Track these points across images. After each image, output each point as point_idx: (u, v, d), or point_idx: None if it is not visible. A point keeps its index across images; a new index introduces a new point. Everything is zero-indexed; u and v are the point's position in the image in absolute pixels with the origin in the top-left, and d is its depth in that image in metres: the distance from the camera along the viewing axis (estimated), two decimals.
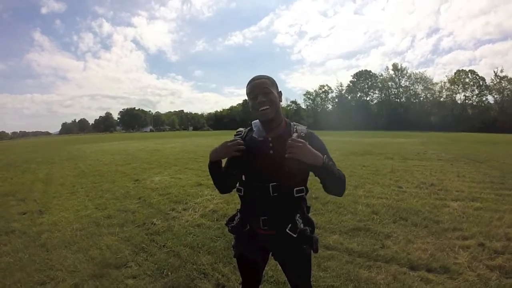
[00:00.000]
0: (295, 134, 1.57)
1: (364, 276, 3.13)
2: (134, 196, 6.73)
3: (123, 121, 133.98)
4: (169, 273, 3.24)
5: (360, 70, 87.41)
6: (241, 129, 1.86)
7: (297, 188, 1.67)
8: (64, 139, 59.18)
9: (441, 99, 72.93)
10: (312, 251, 1.77)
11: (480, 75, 70.64)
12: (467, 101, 70.77)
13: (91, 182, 8.71)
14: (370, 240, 3.97)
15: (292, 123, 1.77)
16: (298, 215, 1.70)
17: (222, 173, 1.78)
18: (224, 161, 1.78)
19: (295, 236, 1.65)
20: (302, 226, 1.68)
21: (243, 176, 1.77)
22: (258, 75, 1.73)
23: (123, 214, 5.36)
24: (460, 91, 71.79)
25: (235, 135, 1.82)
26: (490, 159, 11.65)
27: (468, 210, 5.12)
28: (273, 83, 1.73)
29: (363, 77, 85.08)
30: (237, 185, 1.79)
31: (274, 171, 1.64)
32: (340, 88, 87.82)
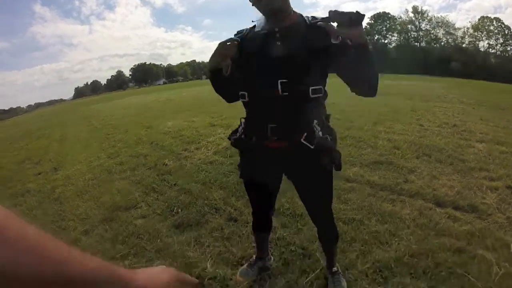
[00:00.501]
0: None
1: (388, 209, 2.87)
2: (146, 141, 6.51)
3: (135, 77, 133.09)
4: (179, 210, 3.05)
5: (378, 12, 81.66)
6: (242, 29, 1.51)
7: (314, 87, 1.33)
8: (78, 102, 59.78)
9: (463, 45, 67.74)
10: (334, 168, 1.48)
11: (505, 23, 64.85)
12: (490, 49, 65.50)
13: (104, 134, 8.54)
14: (392, 174, 3.72)
15: (304, 15, 1.40)
16: (315, 121, 1.36)
17: (225, 79, 1.44)
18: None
19: (312, 147, 1.34)
20: (321, 134, 1.34)
21: (247, 78, 1.43)
22: None
23: (135, 159, 5.17)
24: (483, 38, 66.27)
25: (235, 34, 1.46)
26: None
27: (493, 152, 4.69)
28: None
29: (380, 19, 79.54)
30: (240, 90, 1.46)
31: (283, 65, 1.31)
32: None
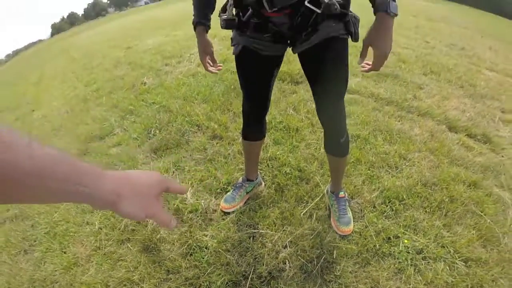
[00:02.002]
0: None
1: (396, 128, 2.48)
2: (124, 62, 5.85)
3: (113, 1, 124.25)
4: (158, 131, 2.63)
5: None
6: None
7: None
8: (56, 39, 56.91)
9: None
10: (350, 38, 1.18)
11: None
12: None
13: (81, 64, 7.84)
14: (399, 88, 3.33)
15: None
16: None
17: None
18: None
19: (319, 11, 1.07)
20: None
21: None
22: None
23: (112, 83, 4.63)
24: None
25: None
26: None
27: (504, 83, 4.18)
28: None
29: None
30: None
31: None
32: None
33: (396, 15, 1.01)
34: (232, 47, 1.32)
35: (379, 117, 2.64)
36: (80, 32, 31.96)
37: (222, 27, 1.26)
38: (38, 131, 3.90)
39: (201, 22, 1.32)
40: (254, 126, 1.53)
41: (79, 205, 1.91)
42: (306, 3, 1.08)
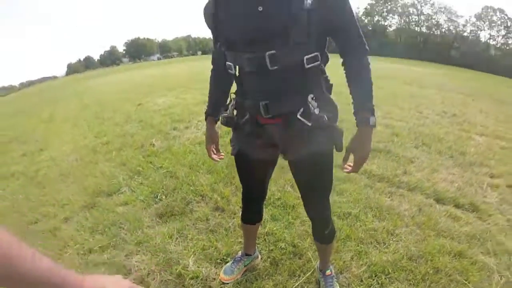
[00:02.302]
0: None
1: (386, 204, 2.69)
2: (135, 120, 6.26)
3: (129, 52, 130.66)
4: (164, 197, 2.85)
5: None
6: None
7: (309, 56, 1.14)
8: (70, 78, 58.69)
9: (464, 34, 66.30)
10: (335, 148, 1.32)
11: (508, 15, 62.96)
12: (491, 40, 64.03)
13: (93, 113, 8.27)
14: (391, 163, 3.55)
15: None
16: (311, 95, 1.20)
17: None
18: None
19: (309, 124, 1.20)
20: (317, 111, 1.20)
21: (232, 48, 1.23)
22: None
23: (122, 139, 4.95)
24: (485, 28, 64.69)
25: None
26: None
27: (494, 147, 4.56)
28: None
29: (382, 0, 77.53)
30: (227, 60, 1.27)
31: (269, 36, 1.11)
32: (357, 10, 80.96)
33: (374, 127, 1.21)
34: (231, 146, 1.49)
35: (370, 194, 2.83)
36: (95, 77, 33.30)
37: (222, 124, 1.41)
38: (46, 173, 4.08)
39: (212, 114, 1.53)
40: (252, 212, 1.75)
41: None
42: (298, 115, 1.21)
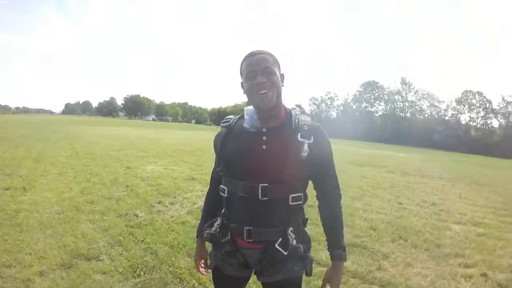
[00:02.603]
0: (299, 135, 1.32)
1: None
2: (122, 183, 6.48)
3: (126, 107, 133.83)
4: (142, 273, 2.97)
5: (369, 80, 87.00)
6: (230, 116, 1.51)
7: (294, 195, 1.34)
8: (66, 119, 58.99)
9: (446, 118, 72.82)
10: (304, 273, 1.47)
11: (487, 98, 70.35)
12: (471, 122, 70.65)
13: (82, 164, 8.47)
14: (366, 259, 3.66)
15: (293, 112, 1.43)
16: (291, 228, 1.36)
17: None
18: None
19: (285, 253, 1.34)
20: (294, 242, 1.36)
21: (229, 174, 1.42)
22: (258, 50, 1.38)
23: (107, 202, 5.10)
24: (465, 111, 71.74)
25: (222, 123, 1.49)
26: (492, 184, 11.47)
27: (470, 235, 4.87)
28: (276, 61, 1.38)
29: (370, 88, 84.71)
30: (221, 183, 1.45)
31: (266, 171, 1.31)
32: (346, 96, 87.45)
33: (345, 261, 1.41)
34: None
35: None
36: (90, 124, 33.75)
37: (205, 239, 1.48)
38: (26, 217, 4.15)
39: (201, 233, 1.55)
40: None
41: None
42: (276, 245, 1.32)
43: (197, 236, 1.62)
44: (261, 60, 1.33)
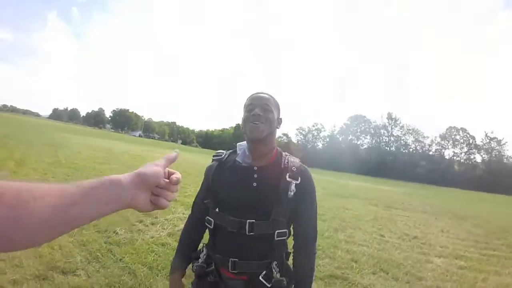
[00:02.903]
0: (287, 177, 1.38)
1: None
2: None
3: (114, 120, 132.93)
4: None
5: (356, 114, 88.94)
6: (221, 151, 1.58)
7: (279, 231, 1.38)
8: (52, 124, 58.03)
9: (430, 153, 74.95)
10: None
11: (470, 134, 72.82)
12: (455, 157, 73.20)
13: (64, 173, 8.35)
14: None
15: (283, 153, 1.51)
16: (275, 262, 1.40)
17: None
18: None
19: (269, 286, 1.37)
20: (278, 276, 1.40)
21: (216, 207, 1.47)
22: (264, 92, 1.52)
23: None
24: (449, 146, 74.45)
25: (213, 156, 1.55)
26: (474, 217, 11.80)
27: (452, 268, 4.95)
28: (277, 105, 1.51)
29: (357, 121, 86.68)
30: (207, 215, 1.48)
31: (255, 207, 1.37)
32: (333, 128, 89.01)
33: None
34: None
35: None
36: (76, 133, 33.26)
37: (192, 271, 1.50)
38: None
39: (180, 267, 1.56)
40: None
41: None
42: (260, 277, 1.35)
43: (172, 273, 1.56)
44: (264, 98, 1.46)
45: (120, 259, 3.63)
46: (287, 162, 1.44)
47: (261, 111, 1.41)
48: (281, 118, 1.53)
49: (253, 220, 1.35)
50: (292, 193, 1.37)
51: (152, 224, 5.25)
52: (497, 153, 68.61)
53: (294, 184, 1.39)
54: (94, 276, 3.15)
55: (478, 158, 71.60)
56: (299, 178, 1.40)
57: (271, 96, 1.49)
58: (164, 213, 6.01)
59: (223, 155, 1.53)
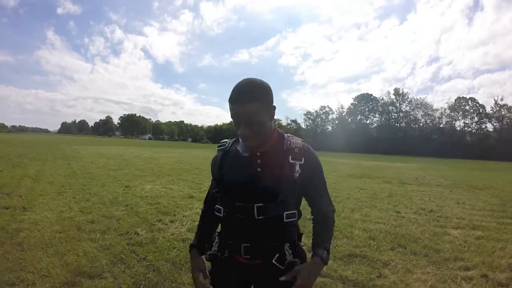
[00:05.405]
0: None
1: None
2: (121, 202, 6.51)
3: (122, 126, 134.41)
4: None
5: (362, 93, 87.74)
6: (225, 140, 1.58)
7: (288, 212, 1.39)
8: (62, 138, 58.97)
9: (441, 126, 73.79)
10: None
11: (480, 103, 71.48)
12: (466, 128, 71.76)
13: (80, 184, 8.51)
14: (366, 268, 3.67)
15: (285, 135, 1.48)
16: (287, 244, 1.42)
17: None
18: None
19: (282, 268, 1.38)
20: (291, 257, 1.40)
21: (225, 195, 1.48)
22: (242, 90, 1.30)
23: (107, 221, 5.13)
24: (460, 118, 73.03)
25: (218, 147, 1.57)
26: (489, 187, 11.65)
27: (469, 238, 4.92)
28: (264, 96, 1.33)
29: (364, 100, 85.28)
30: (217, 203, 1.51)
31: (261, 192, 1.38)
32: (341, 110, 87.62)
33: (326, 264, 1.36)
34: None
35: None
36: (86, 144, 33.73)
37: (206, 259, 1.51)
38: (27, 236, 4.18)
39: (196, 246, 1.55)
40: None
41: None
42: (273, 260, 1.39)
43: (191, 248, 1.57)
44: (247, 110, 1.29)
45: (144, 258, 3.71)
46: (290, 144, 1.43)
47: (248, 130, 1.32)
48: (274, 106, 1.40)
49: (261, 204, 1.36)
50: (297, 174, 1.37)
51: (171, 222, 5.34)
52: (508, 120, 66.80)
53: (298, 165, 1.39)
54: (120, 277, 3.23)
55: (490, 127, 70.01)
56: (303, 159, 1.40)
57: (251, 100, 1.28)
58: (182, 210, 6.12)
59: (227, 145, 1.54)
